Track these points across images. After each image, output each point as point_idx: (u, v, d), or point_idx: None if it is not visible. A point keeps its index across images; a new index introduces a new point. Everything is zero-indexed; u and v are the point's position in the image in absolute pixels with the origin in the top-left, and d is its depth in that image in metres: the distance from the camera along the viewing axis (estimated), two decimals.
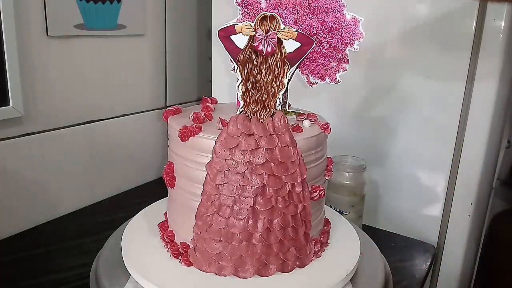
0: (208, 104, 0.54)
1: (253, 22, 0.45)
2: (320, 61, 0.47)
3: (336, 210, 0.70)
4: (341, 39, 0.47)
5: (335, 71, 0.48)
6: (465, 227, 0.79)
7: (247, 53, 0.44)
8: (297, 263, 0.48)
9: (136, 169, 0.99)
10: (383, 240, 0.72)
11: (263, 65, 0.44)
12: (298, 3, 0.47)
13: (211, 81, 0.95)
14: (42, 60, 0.76)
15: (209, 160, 0.46)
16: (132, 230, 0.55)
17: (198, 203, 0.47)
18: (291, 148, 0.45)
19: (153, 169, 1.03)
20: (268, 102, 0.45)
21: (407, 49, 0.77)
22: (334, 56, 0.48)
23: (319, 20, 0.47)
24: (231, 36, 0.44)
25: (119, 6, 0.86)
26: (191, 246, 0.48)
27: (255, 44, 0.44)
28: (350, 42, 0.47)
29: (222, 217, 0.46)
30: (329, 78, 0.49)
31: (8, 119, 0.71)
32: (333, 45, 0.47)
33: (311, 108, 0.56)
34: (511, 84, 0.74)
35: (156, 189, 0.67)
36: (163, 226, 0.54)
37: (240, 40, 0.45)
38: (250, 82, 0.45)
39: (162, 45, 1.00)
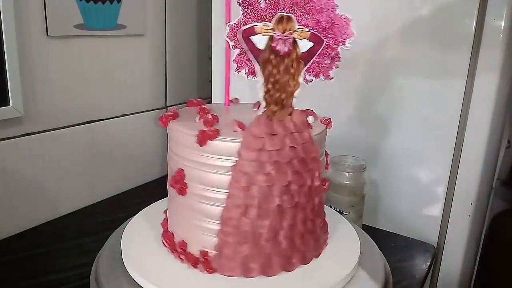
0: (203, 106, 0.53)
1: (258, 22, 0.46)
2: (315, 59, 0.48)
3: (336, 210, 0.70)
4: (334, 38, 0.48)
5: (328, 69, 0.50)
6: (465, 227, 0.79)
7: (267, 54, 0.45)
8: (314, 253, 0.50)
9: (136, 169, 0.99)
10: (383, 240, 0.72)
11: (281, 65, 0.45)
12: (295, 3, 0.47)
13: (211, 81, 0.95)
14: (42, 60, 0.76)
15: (230, 163, 0.45)
16: (132, 230, 0.55)
17: (219, 208, 0.46)
18: (311, 144, 0.46)
19: (153, 169, 1.03)
20: (286, 101, 0.46)
21: (407, 49, 0.77)
22: (327, 54, 0.49)
23: (314, 20, 0.48)
24: (250, 37, 0.45)
25: (119, 6, 0.86)
26: (211, 253, 0.47)
27: (273, 45, 0.45)
28: (342, 41, 0.48)
29: (249, 218, 0.45)
30: (323, 75, 0.50)
31: (8, 119, 0.71)
32: (326, 43, 0.48)
33: (311, 107, 0.56)
34: (511, 84, 0.74)
35: (156, 189, 0.67)
36: (169, 238, 0.51)
37: (259, 41, 0.45)
38: (271, 82, 0.46)
39: (162, 45, 1.00)
